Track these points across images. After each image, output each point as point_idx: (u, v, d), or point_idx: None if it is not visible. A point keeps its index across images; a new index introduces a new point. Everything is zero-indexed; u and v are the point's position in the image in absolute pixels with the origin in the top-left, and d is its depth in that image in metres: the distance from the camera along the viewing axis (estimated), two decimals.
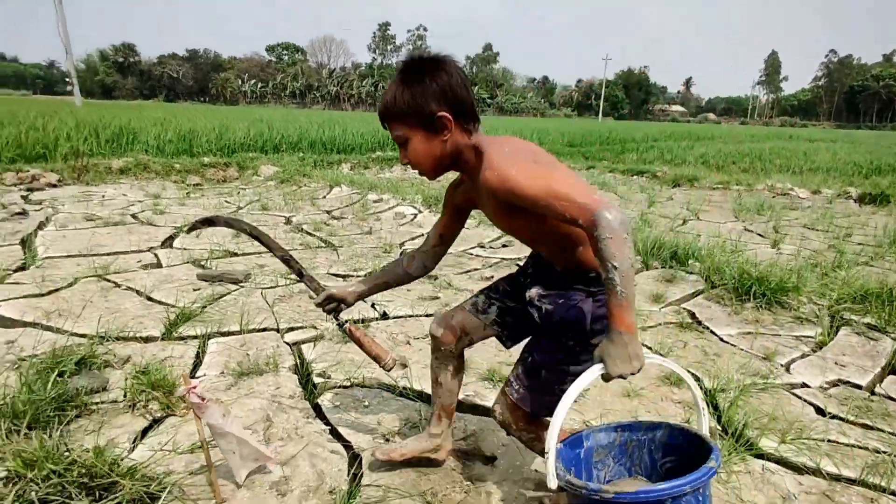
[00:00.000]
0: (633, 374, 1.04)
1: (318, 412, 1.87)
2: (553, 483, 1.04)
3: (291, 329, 2.53)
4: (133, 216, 4.81)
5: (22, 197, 5.50)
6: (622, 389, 2.06)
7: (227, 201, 5.84)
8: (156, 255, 3.63)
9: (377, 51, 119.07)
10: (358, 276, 3.43)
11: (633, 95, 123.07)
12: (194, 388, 1.30)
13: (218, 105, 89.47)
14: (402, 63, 1.24)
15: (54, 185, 6.22)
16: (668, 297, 3.22)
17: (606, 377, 1.04)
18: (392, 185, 7.09)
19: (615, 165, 11.81)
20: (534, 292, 1.32)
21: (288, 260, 1.59)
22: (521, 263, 1.49)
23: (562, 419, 1.03)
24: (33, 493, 1.24)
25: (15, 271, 3.16)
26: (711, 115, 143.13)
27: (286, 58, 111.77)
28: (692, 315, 2.99)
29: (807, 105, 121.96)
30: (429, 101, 1.18)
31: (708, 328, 2.81)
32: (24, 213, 4.63)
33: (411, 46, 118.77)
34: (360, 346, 1.54)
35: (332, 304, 1.54)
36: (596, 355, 1.06)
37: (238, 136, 9.31)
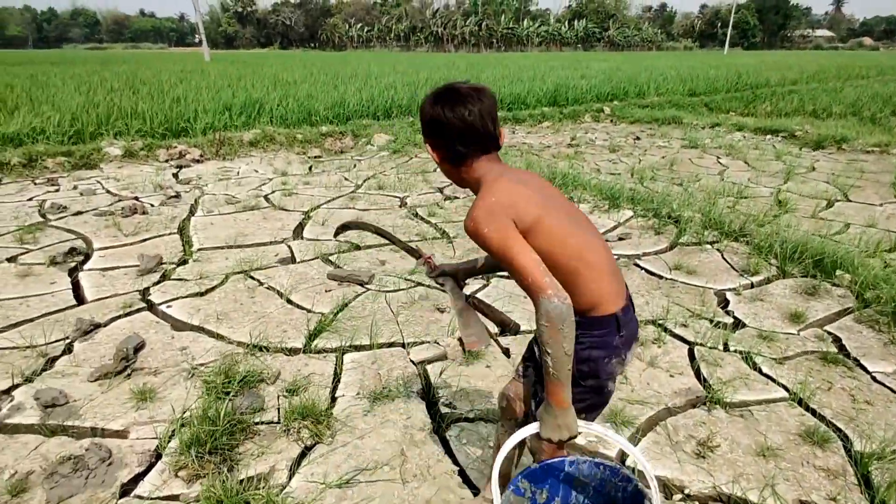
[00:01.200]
0: (563, 440, 1.18)
1: (447, 448, 2.00)
2: None
3: (416, 344, 2.68)
4: (266, 198, 5.22)
5: (173, 175, 6.17)
6: (757, 447, 1.98)
7: (346, 178, 6.13)
8: (290, 248, 3.95)
9: None
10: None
11: (767, 20, 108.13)
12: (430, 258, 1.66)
13: (328, 51, 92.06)
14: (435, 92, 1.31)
15: (198, 161, 6.89)
16: (808, 317, 2.96)
17: (540, 436, 1.20)
18: (504, 158, 6.99)
19: (745, 120, 10.66)
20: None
21: (410, 250, 1.76)
22: None
23: (501, 459, 1.18)
24: None
25: (178, 265, 3.61)
26: (867, 40, 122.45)
27: None
28: (838, 342, 2.74)
29: None
30: (437, 134, 1.30)
31: (858, 362, 2.56)
32: (177, 196, 5.21)
33: None
34: (487, 315, 1.65)
35: (448, 280, 1.65)
36: (538, 415, 1.22)
37: (351, 104, 9.59)
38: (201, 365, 2.45)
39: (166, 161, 6.81)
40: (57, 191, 5.47)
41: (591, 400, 1.34)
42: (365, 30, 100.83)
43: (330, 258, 3.75)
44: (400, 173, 6.40)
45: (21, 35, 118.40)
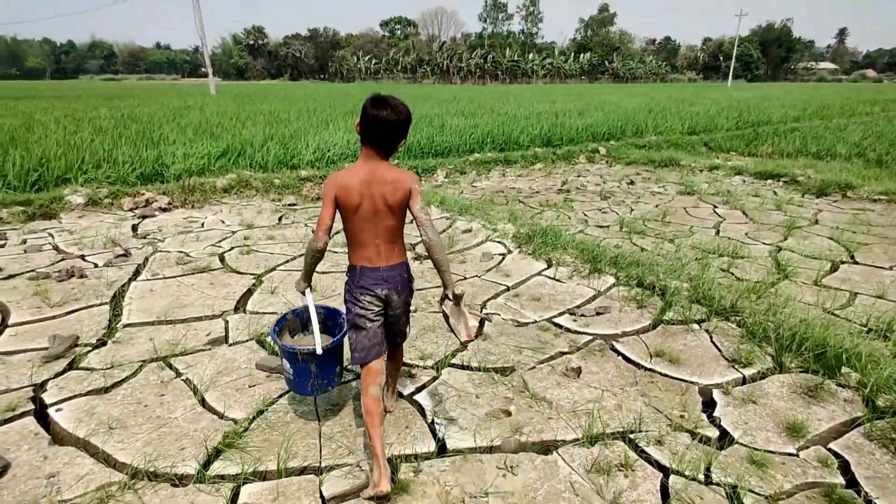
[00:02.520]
0: None
1: None
2: (319, 350, 2.28)
3: (335, 468, 2.24)
4: (221, 258, 4.84)
5: (133, 227, 5.83)
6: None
7: (314, 230, 5.75)
8: (225, 324, 3.55)
9: (488, 20, 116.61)
10: (423, 366, 3.08)
11: (770, 53, 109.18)
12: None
13: (336, 82, 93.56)
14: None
15: (165, 210, 6.56)
16: (809, 429, 2.49)
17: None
18: (484, 207, 6.63)
19: (745, 162, 10.31)
20: None
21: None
22: None
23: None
24: None
25: (94, 348, 3.21)
26: (871, 72, 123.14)
27: (398, 32, 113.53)
28: (845, 468, 2.27)
29: None
30: (361, 116, 2.07)
31: (870, 502, 2.08)
32: (126, 255, 4.85)
33: (524, 12, 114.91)
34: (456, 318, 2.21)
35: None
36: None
37: (337, 146, 9.32)
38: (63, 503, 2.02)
39: (131, 210, 6.49)
40: (2, 246, 5.13)
41: (351, 313, 2.25)
42: (373, 62, 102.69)
43: (265, 340, 3.33)
44: None
45: (39, 66, 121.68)
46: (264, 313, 3.72)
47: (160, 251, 5.04)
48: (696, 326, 3.50)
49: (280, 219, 6.31)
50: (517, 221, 6.08)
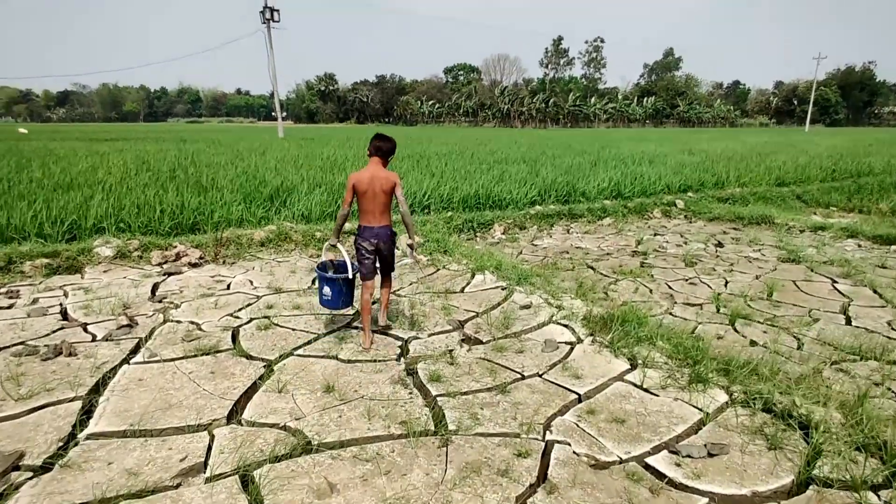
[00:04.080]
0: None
1: None
2: (350, 275, 3.90)
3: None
4: (234, 335, 4.12)
5: (153, 286, 5.28)
6: None
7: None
8: (210, 441, 2.74)
9: (549, 66, 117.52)
10: None
11: (851, 97, 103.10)
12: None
13: (399, 125, 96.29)
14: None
15: (195, 265, 6.03)
16: None
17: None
18: (546, 274, 5.67)
19: (853, 221, 8.83)
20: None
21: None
22: None
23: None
24: None
25: (35, 473, 2.47)
26: None
27: (461, 77, 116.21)
28: None
29: None
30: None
31: None
32: (131, 325, 4.23)
33: (586, 58, 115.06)
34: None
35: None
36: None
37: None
38: None
39: (159, 264, 5.99)
40: (10, 307, 4.65)
41: (358, 252, 3.89)
42: (435, 106, 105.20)
43: (254, 476, 2.49)
44: (418, 293, 5.20)
45: (135, 110, 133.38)
46: (263, 425, 2.89)
47: (171, 321, 4.39)
48: (871, 496, 2.36)
49: (313, 281, 5.60)
50: (587, 296, 5.08)
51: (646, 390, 3.31)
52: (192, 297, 5.00)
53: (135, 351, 3.81)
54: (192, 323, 4.35)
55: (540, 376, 3.55)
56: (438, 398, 3.23)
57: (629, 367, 3.61)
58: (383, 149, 3.87)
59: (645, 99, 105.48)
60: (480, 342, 4.11)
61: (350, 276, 3.85)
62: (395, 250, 4.11)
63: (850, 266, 6.16)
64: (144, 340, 3.97)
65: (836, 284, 5.63)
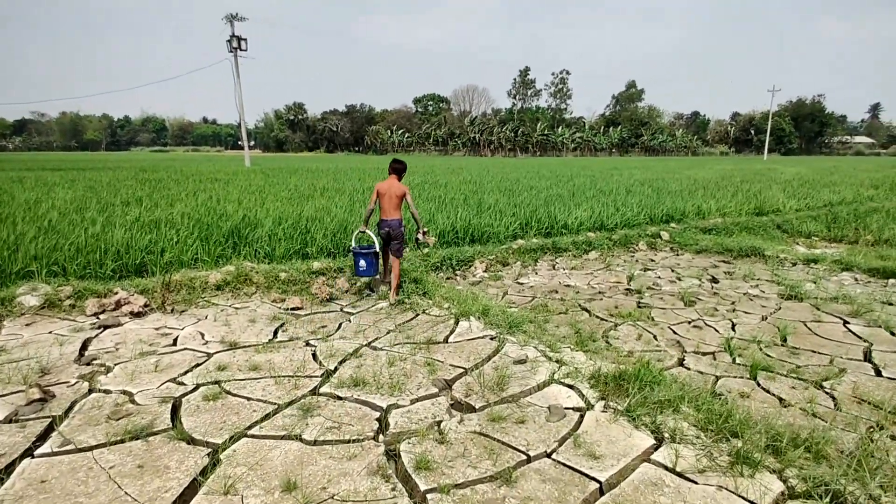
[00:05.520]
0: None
1: None
2: (377, 249, 5.91)
3: None
4: (174, 408, 3.38)
5: (83, 344, 4.48)
6: None
7: (314, 356, 4.30)
8: None
9: (517, 96, 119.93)
10: None
11: (803, 128, 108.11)
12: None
13: (369, 154, 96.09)
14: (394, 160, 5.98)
15: (138, 314, 5.24)
16: None
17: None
18: (538, 319, 5.10)
19: (838, 251, 8.64)
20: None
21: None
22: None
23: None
24: None
25: None
26: None
27: (431, 108, 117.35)
28: None
29: None
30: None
31: None
32: (44, 401, 3.44)
33: (553, 89, 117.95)
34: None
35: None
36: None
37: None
38: None
39: (95, 314, 5.18)
40: None
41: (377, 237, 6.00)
42: (405, 136, 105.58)
43: None
44: (396, 345, 4.54)
45: (96, 139, 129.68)
46: None
47: (98, 390, 3.62)
48: None
49: (276, 332, 4.89)
50: (587, 346, 4.51)
51: (680, 475, 2.72)
52: (129, 356, 4.22)
53: (44, 436, 3.04)
54: (124, 393, 3.59)
55: (549, 456, 2.93)
56: (429, 495, 2.57)
57: (654, 441, 3.02)
58: (397, 168, 5.91)
59: (610, 129, 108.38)
60: (473, 409, 3.48)
61: (377, 251, 5.88)
62: (404, 237, 6.06)
63: (856, 304, 5.79)
64: (59, 420, 3.20)
65: (848, 325, 5.21)
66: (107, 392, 3.60)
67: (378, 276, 6.11)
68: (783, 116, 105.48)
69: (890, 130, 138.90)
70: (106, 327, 4.91)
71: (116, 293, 5.50)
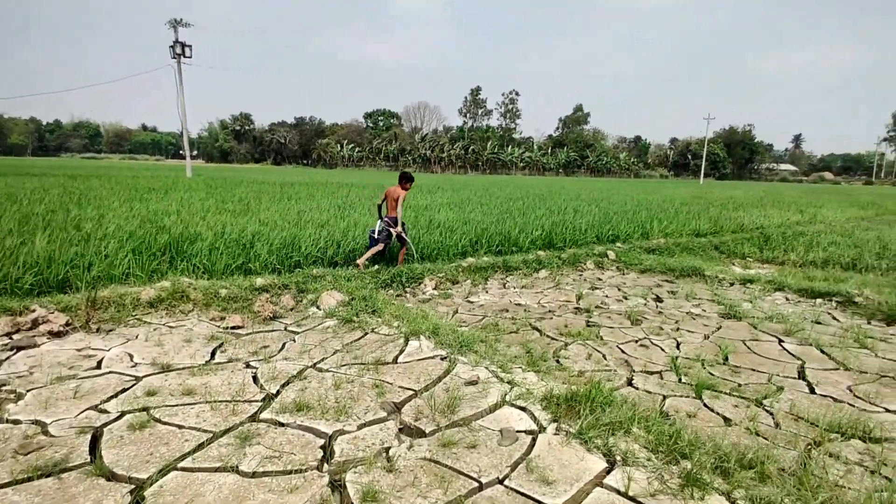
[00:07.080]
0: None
1: None
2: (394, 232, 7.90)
3: None
4: (94, 439, 3.07)
5: None
6: None
7: (255, 378, 4.05)
8: None
9: (468, 114, 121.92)
10: None
11: (735, 154, 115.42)
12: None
13: (318, 168, 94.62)
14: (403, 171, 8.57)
15: (58, 334, 4.81)
16: None
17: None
18: (489, 339, 5.05)
19: (770, 272, 9.10)
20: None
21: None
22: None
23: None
24: None
25: None
26: (828, 174, 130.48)
27: (381, 123, 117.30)
28: None
29: None
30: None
31: None
32: None
33: (502, 109, 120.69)
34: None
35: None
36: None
37: (304, 246, 7.79)
38: None
39: (8, 335, 4.71)
40: None
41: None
42: (356, 150, 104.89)
43: None
44: (343, 366, 4.35)
45: (21, 143, 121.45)
46: None
47: (4, 421, 3.25)
48: None
49: (214, 353, 4.59)
50: (539, 366, 4.48)
51: (633, 499, 2.69)
52: (45, 381, 3.84)
53: None
54: (36, 423, 3.24)
55: (501, 482, 2.84)
56: None
57: (607, 464, 2.98)
58: (402, 177, 7.81)
59: (558, 150, 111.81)
60: (423, 433, 3.35)
61: (376, 232, 7.84)
62: (406, 230, 8.14)
63: (789, 323, 6.07)
64: None
65: (783, 343, 5.44)
66: (15, 422, 3.24)
67: (377, 254, 7.80)
68: (717, 143, 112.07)
69: (810, 159, 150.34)
70: (19, 349, 4.46)
71: (34, 311, 5.03)
